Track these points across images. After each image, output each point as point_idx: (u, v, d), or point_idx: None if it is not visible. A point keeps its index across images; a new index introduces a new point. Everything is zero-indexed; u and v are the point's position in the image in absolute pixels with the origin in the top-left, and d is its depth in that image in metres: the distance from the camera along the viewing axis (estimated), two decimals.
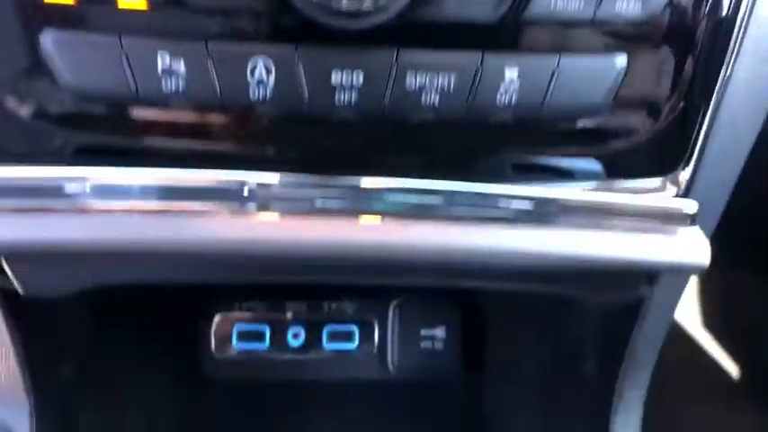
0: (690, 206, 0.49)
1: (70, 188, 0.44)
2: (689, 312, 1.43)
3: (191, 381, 0.89)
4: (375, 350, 0.90)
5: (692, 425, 1.24)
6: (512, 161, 0.50)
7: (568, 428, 0.69)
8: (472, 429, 0.83)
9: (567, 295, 0.55)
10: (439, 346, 0.90)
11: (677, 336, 1.41)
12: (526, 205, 0.47)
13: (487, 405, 0.85)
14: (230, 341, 0.89)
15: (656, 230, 0.48)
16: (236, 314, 0.90)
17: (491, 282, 0.54)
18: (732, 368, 1.34)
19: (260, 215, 0.45)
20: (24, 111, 0.45)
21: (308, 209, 0.46)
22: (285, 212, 0.45)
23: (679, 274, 0.51)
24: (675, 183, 0.51)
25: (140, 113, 0.46)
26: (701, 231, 0.49)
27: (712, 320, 1.40)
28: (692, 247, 0.48)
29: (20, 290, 0.49)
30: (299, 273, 0.54)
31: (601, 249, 0.47)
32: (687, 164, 0.51)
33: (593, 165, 0.51)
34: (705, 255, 0.48)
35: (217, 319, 0.89)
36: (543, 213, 0.48)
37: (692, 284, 1.42)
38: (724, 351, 1.36)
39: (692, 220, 0.49)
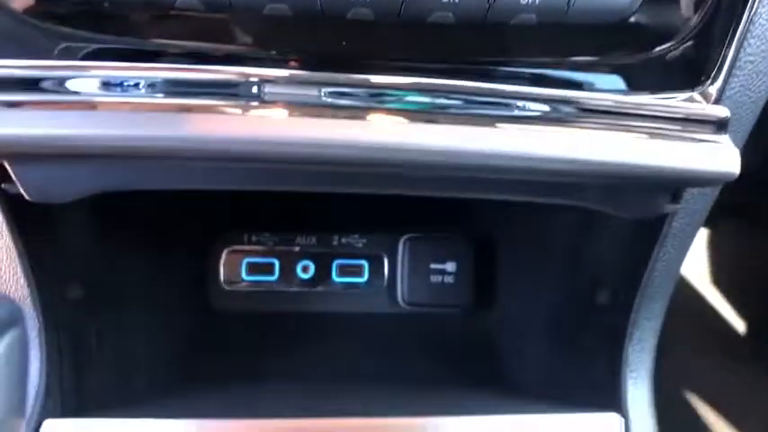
0: (720, 111, 0.47)
1: (73, 82, 0.43)
2: (696, 268, 1.42)
3: (200, 313, 0.89)
4: (385, 284, 0.90)
5: (697, 379, 1.25)
6: (532, 71, 0.48)
7: (583, 358, 0.68)
8: (484, 363, 0.82)
9: (588, 207, 0.53)
10: (449, 280, 0.89)
11: (684, 291, 1.41)
12: (545, 106, 0.45)
13: (500, 338, 0.85)
14: (240, 274, 0.89)
15: (684, 137, 0.46)
16: (246, 247, 0.90)
17: (509, 191, 0.52)
18: (739, 323, 1.34)
19: (270, 110, 0.43)
20: (19, 4, 0.43)
21: (318, 105, 0.44)
22: (294, 109, 0.43)
23: (707, 182, 0.48)
24: (704, 96, 0.48)
25: (146, 11, 0.44)
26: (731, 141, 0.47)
27: (720, 276, 1.39)
28: (721, 155, 0.46)
29: (24, 193, 0.48)
30: (305, 181, 0.52)
31: (624, 153, 0.45)
32: (717, 77, 0.49)
33: (617, 77, 0.49)
34: (735, 163, 0.46)
35: (226, 251, 0.89)
36: (564, 114, 0.45)
37: (700, 240, 1.41)
38: (731, 306, 1.36)
39: (721, 126, 0.46)
